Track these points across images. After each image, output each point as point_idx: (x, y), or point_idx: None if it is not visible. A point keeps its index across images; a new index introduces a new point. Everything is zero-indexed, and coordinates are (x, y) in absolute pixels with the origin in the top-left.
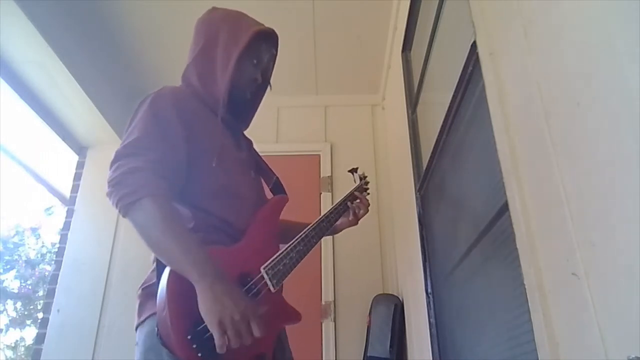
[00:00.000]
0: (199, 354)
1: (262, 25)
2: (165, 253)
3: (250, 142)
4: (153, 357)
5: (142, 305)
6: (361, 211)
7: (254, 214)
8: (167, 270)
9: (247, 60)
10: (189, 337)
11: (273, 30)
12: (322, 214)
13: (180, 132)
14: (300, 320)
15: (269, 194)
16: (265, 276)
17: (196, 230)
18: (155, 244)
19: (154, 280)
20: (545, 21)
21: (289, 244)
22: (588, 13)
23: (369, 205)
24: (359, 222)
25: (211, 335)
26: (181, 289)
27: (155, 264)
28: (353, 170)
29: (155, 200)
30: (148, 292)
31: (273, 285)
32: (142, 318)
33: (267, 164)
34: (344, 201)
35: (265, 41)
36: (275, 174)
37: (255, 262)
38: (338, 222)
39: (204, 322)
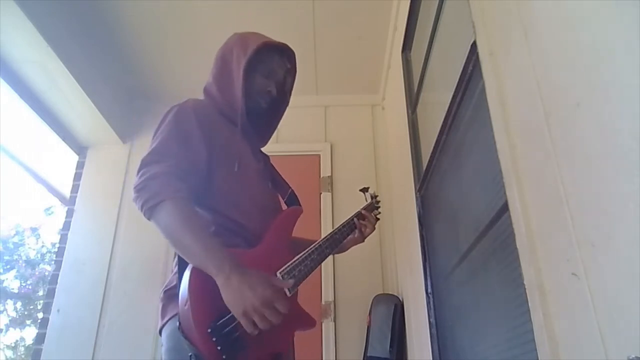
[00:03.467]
0: (219, 347)
1: (272, 39)
2: (186, 250)
3: (267, 157)
4: (176, 355)
5: (165, 307)
6: (367, 229)
7: (269, 222)
8: (189, 268)
9: (256, 70)
10: (209, 330)
11: (285, 45)
12: (331, 223)
13: (201, 140)
14: (314, 326)
15: (283, 207)
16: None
17: (216, 235)
18: (177, 242)
19: (174, 283)
20: (545, 21)
21: (304, 252)
22: (588, 13)
23: (375, 223)
24: (365, 240)
25: (231, 329)
26: (202, 285)
27: (176, 266)
28: (364, 190)
29: (175, 202)
30: (170, 294)
31: (289, 290)
32: (165, 320)
33: (282, 177)
34: (355, 216)
35: (278, 55)
36: (290, 187)
37: (271, 266)
38: (345, 241)
39: (223, 317)
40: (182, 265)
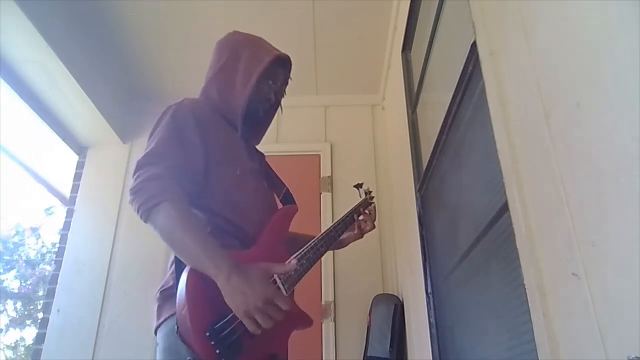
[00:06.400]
0: (217, 350)
1: (281, 51)
2: (186, 252)
3: (262, 155)
4: (172, 356)
5: (161, 307)
6: (367, 226)
7: (265, 222)
8: (186, 271)
9: (265, 80)
10: (207, 334)
11: (289, 58)
12: (331, 223)
13: (198, 141)
14: (311, 325)
15: (278, 205)
16: (278, 281)
17: (211, 236)
18: (176, 244)
19: (171, 283)
20: (545, 21)
21: (299, 251)
22: (588, 13)
23: (374, 220)
24: (364, 236)
25: (229, 332)
26: (200, 288)
27: (173, 266)
28: (358, 186)
29: (173, 204)
30: (166, 294)
31: (285, 290)
32: (161, 320)
33: (277, 176)
34: (351, 213)
35: (282, 66)
36: (285, 185)
37: None
38: (344, 236)
39: (221, 320)
40: (179, 267)
